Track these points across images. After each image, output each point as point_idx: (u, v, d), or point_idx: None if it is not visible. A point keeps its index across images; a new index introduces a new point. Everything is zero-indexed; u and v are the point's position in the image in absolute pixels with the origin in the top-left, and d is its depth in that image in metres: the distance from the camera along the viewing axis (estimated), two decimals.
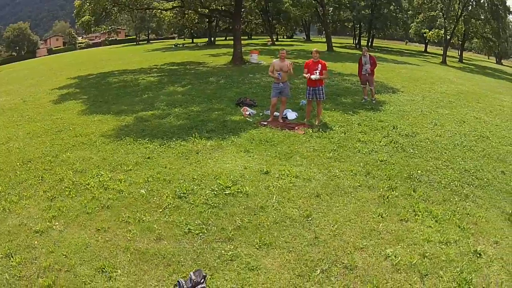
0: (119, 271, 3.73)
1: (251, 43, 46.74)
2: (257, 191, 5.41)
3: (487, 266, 4.14)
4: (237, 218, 4.67)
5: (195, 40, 63.86)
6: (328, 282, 3.76)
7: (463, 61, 44.85)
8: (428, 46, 64.96)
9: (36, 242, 4.34)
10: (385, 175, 6.31)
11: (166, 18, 40.35)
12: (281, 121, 9.35)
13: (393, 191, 5.76)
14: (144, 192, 5.42)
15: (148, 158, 6.82)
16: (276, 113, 9.53)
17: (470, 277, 3.91)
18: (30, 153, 7.47)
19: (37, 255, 4.08)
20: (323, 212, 5.01)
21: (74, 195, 5.48)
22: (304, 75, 9.05)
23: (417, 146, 7.91)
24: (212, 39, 53.13)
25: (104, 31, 26.15)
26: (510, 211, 5.39)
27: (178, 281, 3.45)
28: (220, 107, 10.85)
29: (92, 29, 22.89)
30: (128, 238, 4.30)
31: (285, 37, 75.84)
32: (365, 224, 4.83)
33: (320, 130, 8.55)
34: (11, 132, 9.25)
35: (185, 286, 3.36)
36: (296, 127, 8.84)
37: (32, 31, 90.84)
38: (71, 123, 9.64)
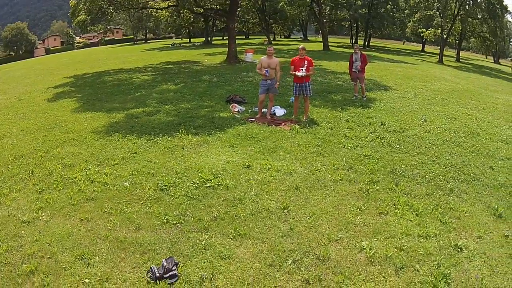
0: (97, 258, 3.94)
1: (249, 43, 46.89)
2: (237, 184, 5.60)
3: (468, 261, 4.15)
4: (215, 209, 4.87)
5: (192, 40, 63.98)
6: (298, 272, 3.85)
7: (460, 60, 44.84)
8: (426, 45, 64.88)
9: (23, 231, 4.55)
10: (368, 169, 6.40)
11: (162, 17, 40.51)
12: (269, 117, 9.49)
13: (374, 185, 5.83)
14: (128, 185, 5.62)
15: (135, 153, 7.02)
16: (264, 110, 9.69)
17: (448, 271, 3.91)
18: (22, 149, 7.67)
19: (23, 243, 4.29)
20: (300, 205, 5.15)
21: (61, 188, 5.69)
22: (291, 72, 9.21)
23: (404, 141, 7.98)
24: (209, 38, 53.22)
25: (101, 31, 26.14)
26: (496, 206, 5.36)
27: (150, 268, 3.65)
28: (210, 104, 11.05)
29: (88, 28, 22.96)
30: (109, 227, 4.50)
31: (282, 36, 75.80)
32: (342, 216, 4.91)
33: (307, 126, 8.70)
34: (5, 129, 9.45)
35: (156, 273, 3.55)
36: (283, 123, 9.00)
37: (30, 31, 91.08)
38: (63, 120, 9.84)
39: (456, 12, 37.68)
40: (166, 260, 3.72)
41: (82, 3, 20.51)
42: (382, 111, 10.54)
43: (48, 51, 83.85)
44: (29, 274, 3.72)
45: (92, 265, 3.82)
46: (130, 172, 6.11)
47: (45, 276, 3.67)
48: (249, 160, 6.54)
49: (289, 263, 3.96)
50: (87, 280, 3.60)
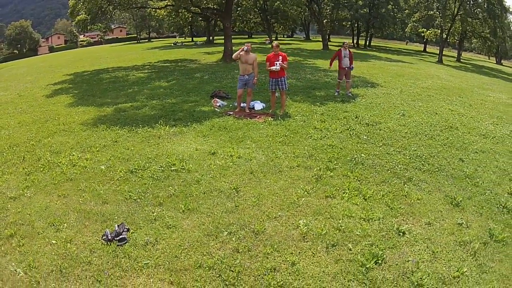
0: (65, 225, 4.72)
1: (250, 42, 47.47)
2: (198, 168, 6.34)
3: (408, 245, 4.32)
4: (172, 188, 5.59)
5: (194, 39, 64.73)
6: (231, 242, 4.33)
7: (461, 60, 44.80)
8: (428, 46, 64.35)
9: (9, 205, 5.34)
10: (327, 157, 6.76)
11: (160, 16, 41.20)
12: (247, 111, 10.05)
13: (329, 171, 6.15)
14: (103, 168, 6.41)
15: (116, 141, 7.80)
16: (243, 104, 10.26)
17: (382, 253, 4.10)
18: (17, 139, 8.50)
19: (8, 214, 5.07)
20: (251, 187, 5.67)
21: (46, 171, 6.47)
22: (267, 68, 9.73)
23: (373, 133, 8.24)
24: (211, 37, 53.82)
25: (102, 30, 26.79)
26: (455, 195, 5.49)
27: (105, 231, 4.42)
28: (195, 99, 11.79)
29: (88, 27, 23.63)
30: (80, 202, 5.29)
31: (285, 36, 76.02)
32: (287, 198, 5.29)
33: (280, 118, 9.24)
34: (4, 122, 10.28)
35: (109, 236, 4.31)
36: (258, 116, 9.53)
37: (34, 29, 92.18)
38: (57, 114, 10.66)
39: (455, 12, 37.69)
40: (118, 225, 4.48)
41: (81, 2, 21.07)
42: (361, 106, 10.87)
43: (51, 49, 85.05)
44: (8, 237, 4.51)
45: (60, 230, 4.60)
46: (108, 158, 6.88)
47: (22, 239, 4.47)
48: (215, 148, 7.23)
49: (225, 234, 4.47)
50: (54, 241, 4.37)
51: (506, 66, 54.85)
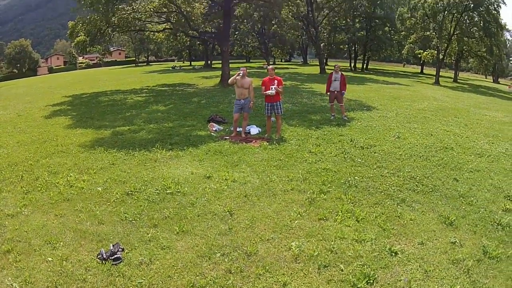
0: (62, 243, 4.84)
1: (248, 66, 48.17)
2: (193, 191, 6.50)
3: (401, 265, 4.38)
4: (167, 211, 5.75)
5: (192, 63, 65.50)
6: (223, 263, 4.41)
7: (458, 81, 45.21)
8: (425, 67, 64.88)
9: (6, 222, 5.47)
10: (321, 181, 6.83)
11: (159, 40, 41.88)
12: (243, 135, 10.14)
13: (323, 194, 6.24)
14: (100, 190, 6.56)
15: (113, 164, 7.97)
16: (239, 128, 10.41)
17: (374, 273, 4.16)
18: (16, 158, 8.67)
19: (5, 231, 5.20)
20: (244, 210, 5.80)
21: (44, 191, 6.62)
22: (262, 93, 9.95)
23: (368, 156, 8.35)
24: (209, 62, 54.42)
25: (101, 52, 27.09)
26: (449, 215, 5.55)
27: (100, 250, 4.55)
28: (192, 123, 12.02)
29: (87, 49, 24.00)
30: (77, 221, 5.42)
31: (283, 60, 76.87)
32: (280, 221, 5.38)
33: (275, 143, 9.38)
34: (3, 141, 10.45)
35: (104, 255, 4.45)
36: (254, 141, 9.64)
37: (33, 49, 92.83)
38: (55, 135, 10.85)
39: (452, 32, 38.17)
40: (113, 245, 4.62)
41: (80, 24, 21.36)
42: (356, 129, 11.01)
43: (51, 70, 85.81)
44: (5, 252, 4.64)
45: (56, 248, 4.72)
46: (105, 180, 7.03)
47: (18, 255, 4.59)
48: (210, 172, 7.39)
49: (218, 255, 4.55)
50: (50, 259, 4.50)
51: (503, 84, 55.34)
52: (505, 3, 37.20)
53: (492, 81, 62.89)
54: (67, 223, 5.40)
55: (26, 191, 6.62)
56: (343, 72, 13.18)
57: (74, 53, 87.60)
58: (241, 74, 9.88)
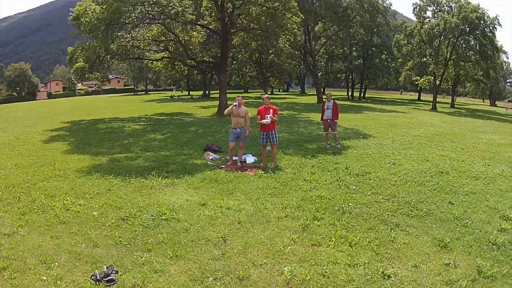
0: (57, 263, 4.94)
1: (246, 97, 48.66)
2: (188, 218, 6.62)
3: (394, 287, 4.45)
4: (161, 236, 5.86)
5: (191, 93, 66.13)
6: (216, 287, 4.46)
7: (455, 106, 45.53)
8: (422, 94, 65.19)
9: (3, 241, 5.59)
10: (315, 208, 6.92)
11: (157, 68, 42.46)
12: (239, 164, 10.25)
13: (317, 221, 6.32)
14: (96, 214, 6.68)
15: (109, 190, 8.11)
16: (235, 157, 10.57)
17: None
18: (13, 180, 8.83)
19: (1, 249, 5.31)
20: (238, 236, 5.89)
21: (41, 213, 6.75)
22: (257, 122, 10.15)
23: (363, 183, 8.45)
24: (207, 92, 54.86)
25: (99, 79, 27.38)
26: (443, 237, 5.59)
27: (94, 272, 4.65)
28: (189, 152, 12.22)
29: (86, 76, 24.33)
30: (72, 243, 5.53)
31: (280, 90, 77.29)
32: (273, 246, 5.43)
33: (270, 171, 9.47)
34: (1, 163, 10.62)
35: (98, 276, 4.54)
36: (249, 169, 9.75)
37: (33, 73, 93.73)
38: (53, 159, 11.01)
39: (448, 57, 38.71)
40: (107, 267, 4.72)
41: (79, 50, 21.72)
42: (352, 157, 11.17)
43: (50, 96, 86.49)
44: (1, 270, 4.75)
45: (51, 268, 4.82)
46: (101, 205, 7.16)
47: (13, 272, 4.69)
48: (205, 199, 7.51)
49: (210, 279, 4.59)
50: (44, 278, 4.59)
51: (500, 106, 55.57)
52: (500, 24, 37.72)
53: (489, 104, 63.34)
54: (62, 244, 5.50)
55: (23, 212, 6.75)
56: (335, 101, 13.47)
57: (73, 79, 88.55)
58: (237, 105, 10.13)
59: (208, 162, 10.78)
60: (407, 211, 6.83)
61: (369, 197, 7.62)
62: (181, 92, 72.76)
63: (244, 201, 7.47)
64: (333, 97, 13.72)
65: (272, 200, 7.48)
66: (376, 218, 6.52)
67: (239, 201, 7.48)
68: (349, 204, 7.16)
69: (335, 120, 12.83)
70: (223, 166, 10.22)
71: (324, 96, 41.71)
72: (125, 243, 5.61)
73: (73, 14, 20.60)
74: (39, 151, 12.33)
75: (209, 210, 7.01)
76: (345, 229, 6.08)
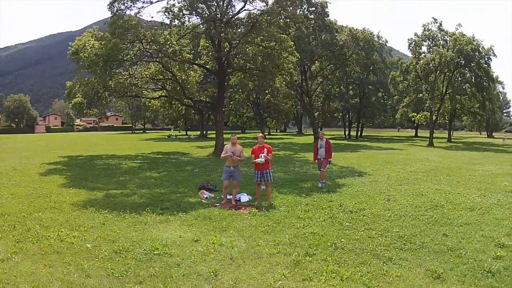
0: None
1: (243, 137, 48.72)
2: (180, 253, 6.71)
3: None
4: (153, 269, 5.95)
5: (188, 132, 66.50)
6: None
7: (452, 140, 45.51)
8: (419, 130, 65.30)
9: None
10: (307, 244, 6.97)
11: (155, 107, 42.99)
12: (234, 203, 10.32)
13: (309, 257, 6.35)
14: (89, 246, 6.79)
15: (103, 224, 8.24)
16: (229, 196, 10.67)
17: None
18: (9, 209, 9.00)
19: None
20: (229, 271, 5.93)
21: (35, 242, 6.87)
22: (252, 161, 10.34)
23: (356, 220, 8.56)
24: (205, 132, 55.15)
25: (97, 115, 27.74)
26: (436, 269, 5.61)
27: None
28: (184, 191, 12.38)
29: (84, 111, 24.62)
30: (65, 273, 5.62)
31: (278, 130, 77.32)
32: (264, 281, 5.45)
33: (264, 209, 9.57)
34: None
35: None
36: (243, 208, 9.83)
37: (32, 106, 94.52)
38: (49, 192, 11.17)
39: (444, 91, 38.99)
40: None
41: (78, 85, 22.16)
42: (346, 194, 11.31)
43: (48, 129, 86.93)
44: None
45: None
46: (95, 238, 7.28)
47: None
48: (199, 236, 7.59)
49: None
50: None
51: (497, 138, 55.41)
52: (495, 55, 38.07)
53: (486, 136, 63.30)
54: (55, 273, 5.59)
55: (18, 240, 6.89)
56: (328, 139, 13.67)
57: (71, 114, 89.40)
58: (232, 155, 10.33)
59: (203, 201, 10.92)
60: (400, 245, 6.90)
61: (362, 232, 7.72)
62: (179, 131, 73.28)
63: (236, 238, 7.56)
64: (329, 136, 14.02)
65: (265, 237, 7.55)
66: (368, 253, 6.57)
67: (232, 238, 7.58)
68: (342, 240, 7.23)
69: (329, 159, 13.01)
70: (217, 204, 10.35)
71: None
72: (117, 275, 5.70)
73: (72, 49, 21.06)
74: (35, 183, 12.49)
75: (201, 246, 7.10)
76: (337, 264, 6.12)
